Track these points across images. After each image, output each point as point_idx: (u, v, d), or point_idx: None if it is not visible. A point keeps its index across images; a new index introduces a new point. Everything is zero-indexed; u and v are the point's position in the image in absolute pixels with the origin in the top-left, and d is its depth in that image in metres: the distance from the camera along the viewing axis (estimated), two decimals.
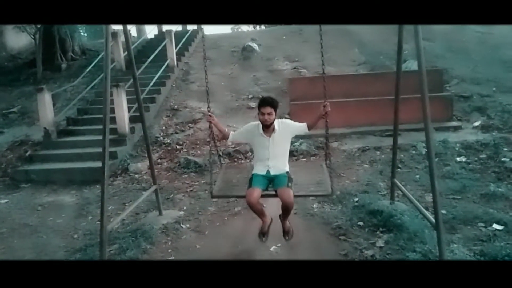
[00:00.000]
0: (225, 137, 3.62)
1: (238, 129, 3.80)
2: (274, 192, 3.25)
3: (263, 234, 3.30)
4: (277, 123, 3.37)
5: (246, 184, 3.34)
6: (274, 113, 3.29)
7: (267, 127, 3.35)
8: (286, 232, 3.39)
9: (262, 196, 3.26)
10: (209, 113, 3.56)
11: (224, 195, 3.78)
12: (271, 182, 3.34)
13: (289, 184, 3.21)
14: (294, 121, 3.55)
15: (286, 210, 3.21)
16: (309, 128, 3.39)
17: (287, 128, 3.41)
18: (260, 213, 3.28)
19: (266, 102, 3.29)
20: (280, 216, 3.33)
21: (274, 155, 3.35)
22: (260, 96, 7.66)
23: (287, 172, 3.37)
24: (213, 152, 3.93)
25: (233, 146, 6.60)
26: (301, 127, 3.42)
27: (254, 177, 3.34)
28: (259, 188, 3.22)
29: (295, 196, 3.20)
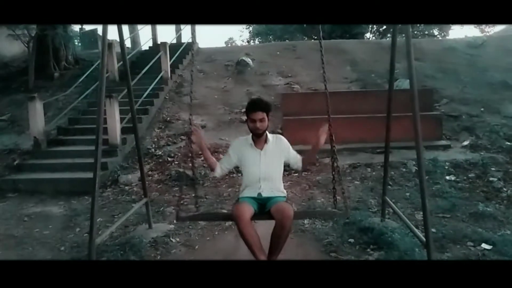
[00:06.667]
0: (211, 168, 2.93)
1: (229, 146, 3.25)
2: (265, 214, 2.67)
3: None
4: (271, 135, 2.93)
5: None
6: (266, 118, 2.75)
7: (258, 137, 2.83)
8: None
9: (253, 218, 2.65)
10: (194, 125, 2.86)
11: (194, 217, 3.25)
12: (263, 206, 2.74)
13: (287, 202, 2.75)
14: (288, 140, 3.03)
15: (280, 234, 2.47)
16: (303, 164, 2.94)
17: (282, 145, 2.91)
18: (257, 248, 2.49)
19: (256, 106, 2.70)
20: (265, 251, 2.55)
21: (267, 174, 2.80)
22: None
23: (284, 196, 2.87)
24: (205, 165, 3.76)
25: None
26: (296, 157, 2.94)
27: (241, 198, 2.79)
28: (250, 205, 2.64)
29: (297, 213, 2.66)
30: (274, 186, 2.80)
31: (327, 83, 3.17)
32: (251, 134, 2.87)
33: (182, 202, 3.19)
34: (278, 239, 2.48)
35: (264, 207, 2.72)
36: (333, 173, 3.05)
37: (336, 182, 3.07)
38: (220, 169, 2.94)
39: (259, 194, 2.77)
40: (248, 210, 2.56)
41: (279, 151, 2.89)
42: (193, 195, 3.20)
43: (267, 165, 2.81)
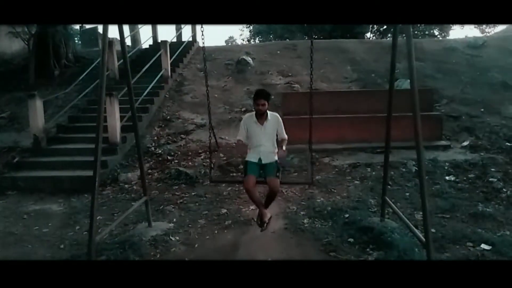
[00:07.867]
0: (243, 144, 4.13)
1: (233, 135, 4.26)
2: (263, 179, 3.86)
3: (261, 223, 3.83)
4: (270, 114, 4.01)
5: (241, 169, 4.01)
6: (267, 103, 3.93)
7: (261, 116, 3.95)
8: (263, 221, 3.82)
9: (256, 183, 3.83)
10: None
11: (222, 180, 4.55)
12: (262, 169, 3.93)
13: (277, 174, 3.85)
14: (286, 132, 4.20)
15: (271, 197, 3.87)
16: (280, 140, 4.10)
17: (276, 121, 4.06)
18: (258, 203, 3.86)
19: (260, 95, 3.95)
20: (263, 202, 3.95)
21: (265, 142, 3.98)
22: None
23: (276, 161, 3.97)
24: (204, 164, 4.13)
25: (225, 158, 6.60)
26: (282, 132, 4.09)
27: (248, 164, 3.95)
28: (254, 175, 3.82)
29: (282, 183, 3.91)
30: (269, 149, 3.99)
31: (324, 83, 3.28)
32: (255, 112, 4.01)
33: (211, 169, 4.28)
34: (270, 198, 3.92)
35: (263, 168, 3.92)
36: (310, 159, 4.30)
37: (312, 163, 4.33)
38: (243, 140, 4.07)
39: (260, 159, 3.95)
40: (252, 182, 3.78)
41: (274, 126, 4.05)
42: (193, 193, 3.86)
43: (265, 137, 4.00)
